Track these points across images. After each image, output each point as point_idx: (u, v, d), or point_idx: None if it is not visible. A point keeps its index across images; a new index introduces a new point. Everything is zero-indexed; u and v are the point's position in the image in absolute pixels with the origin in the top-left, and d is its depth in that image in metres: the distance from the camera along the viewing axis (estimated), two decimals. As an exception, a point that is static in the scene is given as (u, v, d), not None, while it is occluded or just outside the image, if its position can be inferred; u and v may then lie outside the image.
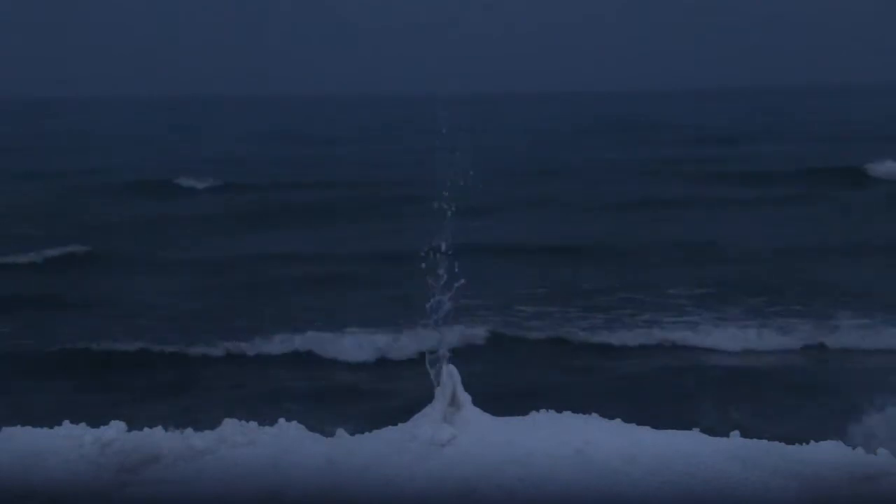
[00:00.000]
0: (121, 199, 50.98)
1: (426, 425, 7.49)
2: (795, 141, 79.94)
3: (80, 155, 76.72)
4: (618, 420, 7.83)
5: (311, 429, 7.97)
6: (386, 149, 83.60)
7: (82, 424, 8.02)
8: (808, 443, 7.63)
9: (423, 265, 7.35)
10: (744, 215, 41.72)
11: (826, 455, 7.35)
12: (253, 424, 7.90)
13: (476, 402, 7.66)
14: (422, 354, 7.79)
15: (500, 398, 8.75)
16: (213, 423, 7.99)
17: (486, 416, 7.70)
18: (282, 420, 7.95)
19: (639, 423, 7.74)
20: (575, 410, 7.87)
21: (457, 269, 7.38)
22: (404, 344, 22.07)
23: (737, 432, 7.72)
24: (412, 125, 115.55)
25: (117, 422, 7.97)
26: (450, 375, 7.69)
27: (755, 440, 7.61)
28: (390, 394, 19.42)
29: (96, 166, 66.43)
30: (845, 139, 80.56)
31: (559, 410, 7.98)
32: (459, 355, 7.76)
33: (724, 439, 7.59)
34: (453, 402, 7.66)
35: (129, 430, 7.91)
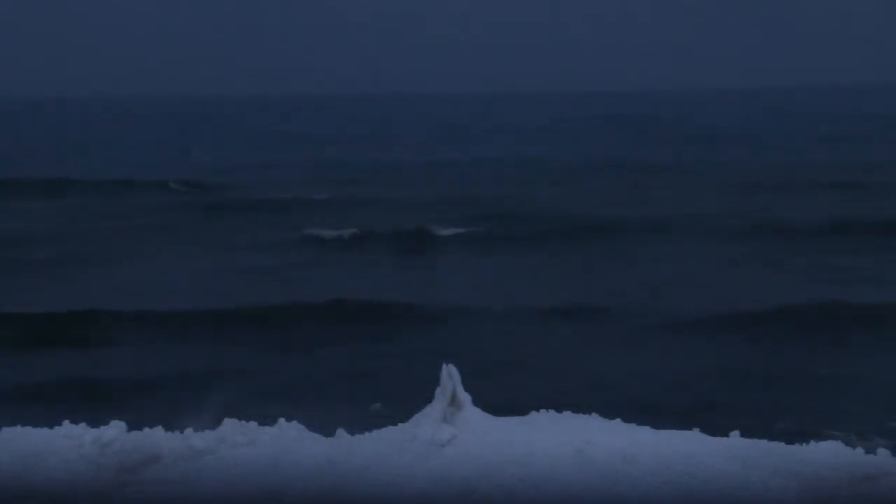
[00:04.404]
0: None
1: (426, 425, 7.49)
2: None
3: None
4: (618, 420, 7.82)
5: (311, 429, 7.97)
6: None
7: (82, 424, 8.01)
8: (808, 443, 7.63)
9: None
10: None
11: (826, 455, 7.35)
12: (253, 424, 7.90)
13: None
14: None
15: None
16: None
17: (486, 416, 7.70)
18: (282, 420, 7.94)
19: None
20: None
21: None
22: None
23: (736, 432, 7.70)
24: (493, 123, 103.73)
25: (117, 422, 7.97)
26: (450, 375, 7.68)
27: (755, 440, 7.60)
28: None
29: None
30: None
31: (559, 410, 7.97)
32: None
33: (724, 439, 7.57)
34: (453, 402, 7.66)
35: (129, 430, 7.91)
